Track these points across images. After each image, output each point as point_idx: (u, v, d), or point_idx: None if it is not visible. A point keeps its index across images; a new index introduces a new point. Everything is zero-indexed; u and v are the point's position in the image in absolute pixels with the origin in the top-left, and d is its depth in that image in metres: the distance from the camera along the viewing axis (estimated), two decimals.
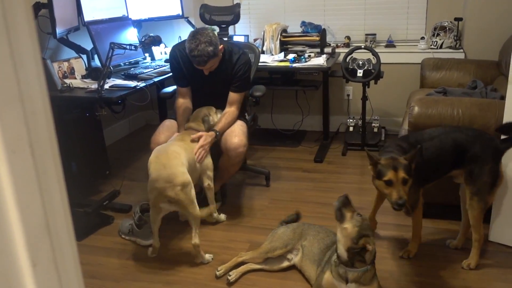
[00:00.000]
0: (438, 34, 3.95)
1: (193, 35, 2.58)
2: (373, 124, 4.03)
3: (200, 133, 2.64)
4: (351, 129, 4.08)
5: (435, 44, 3.95)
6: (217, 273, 2.32)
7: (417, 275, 2.26)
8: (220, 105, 2.90)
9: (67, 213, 0.53)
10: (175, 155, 2.41)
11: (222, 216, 2.84)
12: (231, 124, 2.81)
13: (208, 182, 2.67)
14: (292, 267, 2.35)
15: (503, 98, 2.39)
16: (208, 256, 2.48)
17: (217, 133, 2.70)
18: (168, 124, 2.90)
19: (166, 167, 2.34)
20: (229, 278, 2.27)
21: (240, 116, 2.92)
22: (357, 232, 1.90)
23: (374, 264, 2.00)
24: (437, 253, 2.43)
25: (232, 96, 2.82)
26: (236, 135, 2.75)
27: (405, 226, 2.70)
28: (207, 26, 3.88)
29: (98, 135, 3.40)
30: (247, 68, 2.81)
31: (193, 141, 2.60)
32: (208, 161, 2.66)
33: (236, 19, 3.74)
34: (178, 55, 2.79)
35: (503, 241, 2.46)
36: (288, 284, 2.26)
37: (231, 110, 2.82)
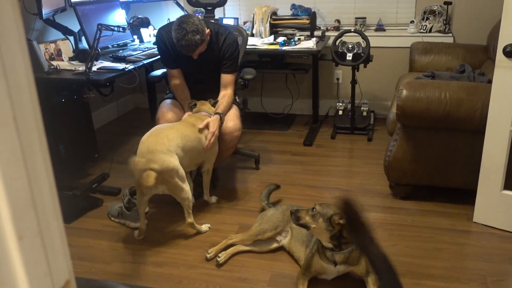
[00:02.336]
0: (427, 18, 3.96)
1: (179, 25, 2.55)
2: (362, 108, 4.04)
3: (206, 120, 2.60)
4: (340, 112, 4.09)
5: (424, 28, 3.96)
6: (207, 255, 2.34)
7: (404, 255, 2.30)
8: (211, 88, 2.89)
9: (53, 188, 0.53)
10: (164, 140, 2.37)
11: (213, 198, 2.86)
12: (230, 106, 2.81)
13: (208, 168, 2.70)
14: (281, 248, 2.38)
15: (490, 82, 2.41)
16: (205, 226, 2.57)
17: (222, 116, 2.70)
18: (172, 102, 2.87)
19: (149, 152, 2.32)
20: (218, 259, 2.30)
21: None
22: (324, 221, 1.95)
23: None
24: (423, 235, 2.47)
25: (225, 77, 2.81)
26: (231, 119, 2.77)
27: (391, 208, 2.74)
28: (195, 8, 3.86)
29: (87, 118, 3.38)
30: (234, 47, 2.80)
31: (201, 131, 2.56)
32: (216, 148, 2.67)
33: (222, 1, 3.70)
34: (165, 38, 2.77)
35: (487, 223, 2.51)
36: (277, 265, 2.29)
37: (227, 93, 2.81)
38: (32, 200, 0.50)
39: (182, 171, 2.38)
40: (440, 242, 2.40)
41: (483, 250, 2.33)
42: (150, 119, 4.34)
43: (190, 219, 2.47)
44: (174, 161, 2.35)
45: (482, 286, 2.07)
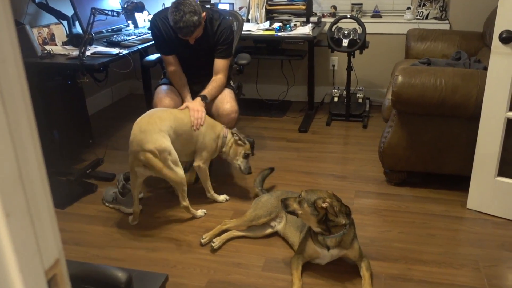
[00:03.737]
0: (424, 5, 3.94)
1: (175, 6, 2.52)
2: (357, 95, 4.03)
3: (185, 104, 2.64)
4: (335, 99, 4.08)
5: (421, 15, 3.94)
6: (202, 240, 2.34)
7: (397, 241, 2.31)
8: (205, 74, 2.88)
9: (41, 166, 0.52)
10: (156, 120, 2.38)
11: (221, 197, 2.74)
12: (219, 91, 2.79)
13: (199, 164, 2.60)
14: (275, 233, 2.39)
15: (486, 69, 2.40)
16: (200, 212, 2.57)
17: (205, 98, 2.67)
18: (169, 87, 2.84)
19: (142, 132, 2.34)
20: (213, 245, 2.30)
21: (227, 84, 2.90)
22: (309, 206, 1.97)
23: (353, 227, 2.05)
24: (416, 221, 2.48)
25: (218, 63, 2.79)
26: (228, 101, 2.77)
27: (385, 194, 2.75)
28: None
29: (81, 104, 3.36)
30: (229, 33, 2.78)
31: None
32: (208, 142, 2.58)
33: None
34: (159, 24, 2.74)
35: (480, 209, 2.53)
36: (271, 250, 2.30)
37: (217, 77, 2.80)
38: (20, 177, 0.49)
39: (174, 153, 2.38)
40: (434, 228, 2.41)
41: (476, 236, 2.34)
42: (145, 105, 4.31)
43: (184, 203, 2.47)
44: (166, 142, 2.35)
45: (474, 271, 2.09)
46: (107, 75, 3.34)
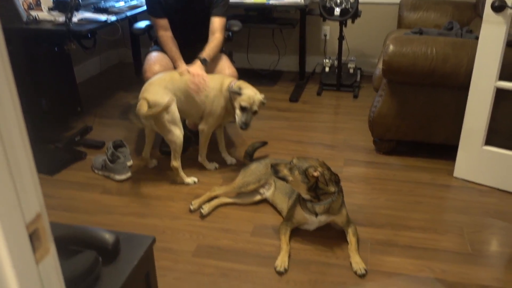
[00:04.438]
0: None
1: None
2: (349, 65, 4.01)
3: (185, 68, 2.61)
4: (327, 69, 4.06)
5: None
6: (191, 207, 2.36)
7: (384, 208, 2.35)
8: (196, 39, 2.84)
9: (19, 115, 0.51)
10: (166, 78, 2.51)
11: (211, 165, 2.74)
12: (216, 51, 2.75)
13: (203, 128, 2.60)
14: (264, 200, 2.41)
15: (477, 39, 2.39)
16: (190, 179, 2.59)
17: (204, 61, 2.65)
18: (159, 55, 2.80)
19: (150, 83, 2.49)
20: (202, 211, 2.32)
21: (222, 50, 2.88)
22: (300, 174, 1.98)
23: (341, 194, 2.07)
24: (403, 188, 2.51)
25: (214, 21, 2.75)
26: (228, 66, 2.78)
27: (374, 163, 2.77)
28: None
29: (68, 71, 3.31)
30: None
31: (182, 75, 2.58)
32: (216, 109, 2.55)
33: None
34: None
35: (467, 177, 2.56)
36: (260, 217, 2.32)
37: (215, 37, 2.75)
38: None
39: (173, 113, 2.42)
40: (420, 196, 2.45)
41: (462, 204, 2.38)
42: (134, 74, 4.28)
43: (174, 163, 2.52)
44: (166, 98, 2.40)
45: (458, 237, 2.13)
46: (95, 42, 3.28)
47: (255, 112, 2.47)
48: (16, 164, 0.53)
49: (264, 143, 2.80)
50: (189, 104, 2.53)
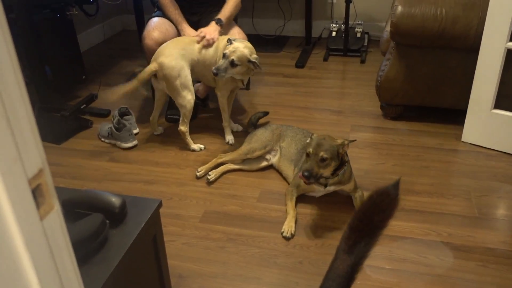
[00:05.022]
0: None
1: None
2: (356, 29, 3.93)
3: (200, 30, 2.55)
4: (333, 34, 3.98)
5: None
6: (197, 173, 2.37)
7: (391, 173, 2.34)
8: (202, 3, 2.78)
9: (16, 66, 0.50)
10: (185, 40, 2.53)
11: (229, 137, 2.67)
12: (233, 11, 2.68)
13: (218, 92, 2.58)
14: (270, 166, 2.41)
15: None
16: (196, 146, 2.59)
17: (219, 21, 2.59)
18: (159, 20, 2.73)
19: (165, 46, 2.48)
20: (209, 177, 2.32)
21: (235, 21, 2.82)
22: (334, 160, 1.91)
23: (349, 163, 2.06)
24: (410, 153, 2.49)
25: None
26: (237, 32, 2.72)
27: (381, 128, 2.75)
28: None
29: (72, 38, 3.27)
30: None
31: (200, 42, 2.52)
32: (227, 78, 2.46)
33: None
34: None
35: (475, 141, 2.53)
36: (266, 183, 2.32)
37: None
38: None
39: (185, 76, 2.43)
40: (427, 161, 2.43)
41: (469, 168, 2.37)
42: (138, 41, 4.21)
43: (182, 127, 2.52)
44: (179, 62, 2.41)
45: (465, 201, 2.13)
46: (98, 8, 3.23)
47: (233, 63, 2.32)
48: (15, 119, 0.52)
49: (266, 113, 2.76)
50: (203, 66, 2.50)
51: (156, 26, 2.68)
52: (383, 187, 0.98)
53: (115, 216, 1.19)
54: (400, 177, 1.12)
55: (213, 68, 2.33)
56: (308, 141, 2.00)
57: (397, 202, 0.98)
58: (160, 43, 2.54)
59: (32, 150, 0.58)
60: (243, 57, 2.33)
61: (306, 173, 1.88)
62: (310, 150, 1.90)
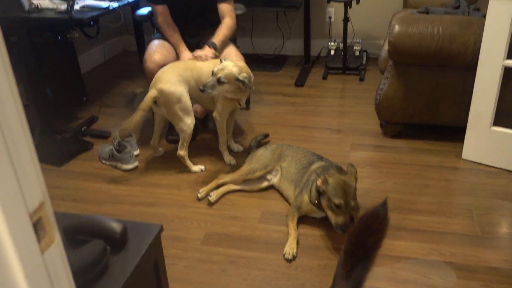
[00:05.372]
0: None
1: None
2: (354, 48, 3.96)
3: (196, 51, 2.61)
4: (332, 52, 4.01)
5: None
6: (199, 195, 2.36)
7: (392, 192, 2.33)
8: (201, 25, 2.82)
9: (18, 102, 0.50)
10: (180, 66, 2.52)
11: (227, 158, 2.66)
12: (226, 34, 2.71)
13: (215, 115, 2.55)
14: (271, 187, 2.40)
15: (485, 17, 2.35)
16: (197, 167, 2.59)
17: (213, 44, 2.63)
18: (160, 43, 2.77)
19: (163, 71, 2.49)
20: (210, 199, 2.32)
21: (231, 41, 2.85)
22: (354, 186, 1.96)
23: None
24: (411, 172, 2.49)
25: (222, 7, 2.72)
26: (234, 54, 2.74)
27: (381, 147, 2.75)
28: None
29: (73, 60, 3.30)
30: None
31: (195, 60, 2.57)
32: (221, 95, 2.48)
33: None
34: None
35: (475, 159, 2.53)
36: (267, 203, 2.32)
37: (225, 21, 2.72)
38: None
39: (185, 101, 2.44)
40: (428, 179, 2.43)
41: (470, 186, 2.36)
42: (138, 62, 4.25)
43: (181, 152, 2.53)
44: (178, 88, 2.42)
45: (467, 219, 2.12)
46: (98, 30, 3.26)
47: (220, 81, 2.30)
48: (17, 153, 0.52)
49: (266, 135, 2.78)
50: (197, 90, 2.50)
51: (157, 49, 2.70)
52: (372, 209, 0.99)
53: (116, 242, 1.19)
54: (387, 196, 1.12)
55: (201, 85, 2.33)
56: (325, 188, 1.93)
57: (387, 222, 0.98)
58: (162, 66, 2.56)
59: (33, 184, 0.59)
60: (230, 75, 2.32)
61: (344, 228, 1.90)
62: (341, 202, 1.89)
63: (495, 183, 2.37)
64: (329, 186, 1.92)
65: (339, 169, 2.11)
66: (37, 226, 0.61)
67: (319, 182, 1.96)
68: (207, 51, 2.60)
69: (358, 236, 0.94)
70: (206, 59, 2.54)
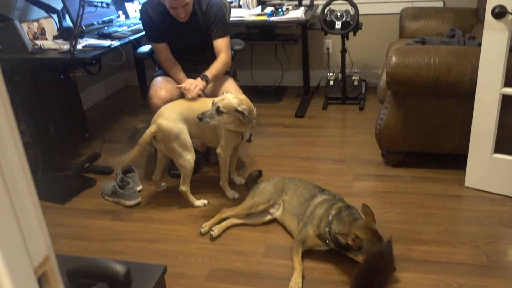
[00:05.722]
0: None
1: None
2: (353, 77, 4.01)
3: (186, 81, 2.64)
4: (331, 83, 4.06)
5: None
6: (202, 230, 2.35)
7: (396, 222, 2.32)
8: (200, 61, 2.87)
9: (22, 157, 0.52)
10: (182, 104, 2.55)
11: (230, 193, 2.67)
12: (220, 69, 2.74)
13: (218, 151, 2.56)
14: (274, 220, 2.39)
15: (480, 45, 2.39)
16: (200, 202, 2.59)
17: (204, 76, 2.65)
18: (164, 80, 2.81)
19: (165, 107, 2.53)
20: (212, 233, 2.31)
21: (228, 73, 2.89)
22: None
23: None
24: (414, 201, 2.49)
25: (217, 43, 2.77)
26: (233, 89, 2.76)
27: (383, 176, 2.75)
28: None
29: (75, 98, 3.34)
30: (220, 10, 2.78)
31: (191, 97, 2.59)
32: (224, 131, 2.51)
33: None
34: (149, 11, 2.73)
35: (478, 186, 2.53)
36: (271, 237, 2.30)
37: (220, 57, 2.76)
38: (1, 174, 0.48)
39: (184, 138, 2.45)
40: (432, 208, 2.42)
41: (475, 214, 2.35)
42: (140, 97, 4.31)
43: (183, 187, 2.53)
44: (176, 125, 2.44)
45: (473, 248, 2.10)
46: (100, 68, 3.32)
47: (219, 110, 2.32)
48: (22, 211, 0.53)
49: (259, 172, 2.79)
50: (204, 130, 2.54)
51: (162, 86, 2.74)
52: (377, 249, 0.99)
53: (120, 285, 1.18)
54: (391, 236, 1.11)
55: (199, 113, 2.35)
56: (359, 244, 1.88)
57: (392, 262, 0.99)
58: (167, 101, 2.60)
59: (38, 238, 0.59)
60: (229, 106, 2.34)
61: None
62: None
63: (500, 210, 2.36)
64: (364, 241, 1.87)
65: (348, 207, 2.09)
66: (42, 280, 0.61)
67: (350, 241, 1.88)
68: (198, 81, 2.62)
69: (364, 277, 0.94)
70: (195, 89, 2.56)
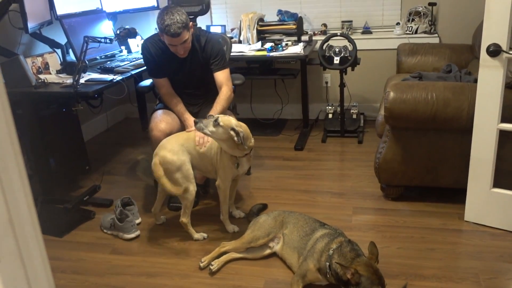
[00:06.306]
0: (413, 20, 3.99)
1: (163, 11, 2.60)
2: (352, 111, 4.06)
3: (192, 128, 2.63)
4: (330, 116, 4.11)
5: (410, 30, 3.99)
6: (201, 264, 2.33)
7: (396, 257, 2.31)
8: (200, 95, 2.91)
9: (31, 208, 0.53)
10: (184, 136, 2.59)
11: (231, 227, 2.66)
12: (224, 104, 2.75)
13: (218, 183, 2.56)
14: (274, 254, 2.38)
15: (476, 81, 2.43)
16: (199, 235, 2.58)
17: (211, 117, 2.66)
18: (164, 113, 2.84)
19: (167, 139, 2.57)
20: (211, 267, 2.29)
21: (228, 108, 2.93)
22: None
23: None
24: (414, 235, 2.48)
25: (218, 76, 2.80)
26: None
27: (383, 210, 2.75)
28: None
29: (76, 130, 3.37)
30: (218, 45, 2.83)
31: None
32: (221, 161, 2.52)
33: (205, 10, 3.66)
34: (150, 47, 2.78)
35: (478, 221, 2.53)
36: (271, 272, 2.28)
37: (222, 91, 2.78)
38: (10, 222, 0.50)
39: (186, 169, 2.47)
40: (432, 242, 2.41)
41: (475, 249, 2.34)
42: (140, 129, 4.35)
43: (184, 219, 2.53)
44: (179, 157, 2.47)
45: (475, 284, 2.08)
46: (102, 101, 3.36)
47: (216, 122, 2.34)
48: (29, 257, 0.54)
49: (264, 205, 2.80)
50: (204, 161, 2.56)
51: (162, 118, 2.78)
52: None
53: None
54: (406, 282, 1.08)
55: (196, 119, 2.42)
56: (357, 279, 1.86)
57: None
58: (168, 134, 2.64)
59: (42, 281, 0.60)
60: (228, 122, 2.37)
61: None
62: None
63: (500, 245, 2.35)
64: (364, 278, 1.85)
65: (349, 242, 2.08)
66: None
67: (349, 275, 1.86)
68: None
69: None
70: (202, 143, 2.55)
